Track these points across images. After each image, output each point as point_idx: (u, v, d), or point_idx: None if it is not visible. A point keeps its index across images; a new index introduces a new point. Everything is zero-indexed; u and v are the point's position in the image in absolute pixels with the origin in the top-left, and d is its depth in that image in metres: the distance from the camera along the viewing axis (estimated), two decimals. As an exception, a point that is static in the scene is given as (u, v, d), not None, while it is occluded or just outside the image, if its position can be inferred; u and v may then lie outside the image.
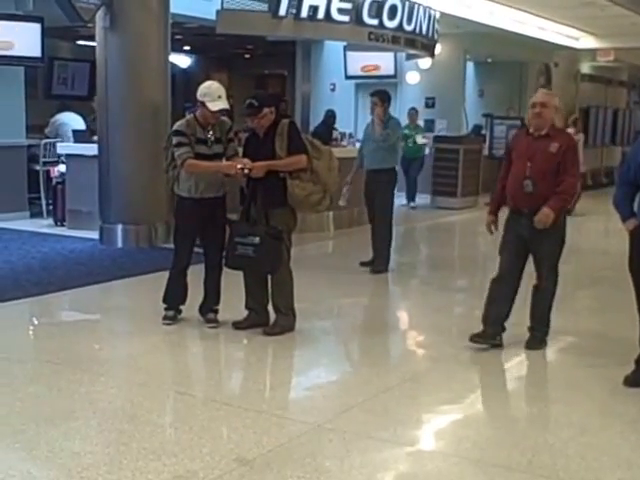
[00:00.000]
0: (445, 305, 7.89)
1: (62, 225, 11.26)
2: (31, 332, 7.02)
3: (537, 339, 6.14)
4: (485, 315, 6.12)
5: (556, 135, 5.96)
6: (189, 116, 6.53)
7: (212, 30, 11.80)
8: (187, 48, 19.85)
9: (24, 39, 11.32)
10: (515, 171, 5.98)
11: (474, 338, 6.03)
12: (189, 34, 16.05)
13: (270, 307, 6.40)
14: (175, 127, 6.42)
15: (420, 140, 14.71)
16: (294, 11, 11.31)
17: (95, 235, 10.15)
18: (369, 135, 9.10)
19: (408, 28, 12.69)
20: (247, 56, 21.50)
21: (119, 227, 9.94)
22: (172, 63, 11.08)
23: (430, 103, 17.28)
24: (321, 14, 11.45)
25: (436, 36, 13.83)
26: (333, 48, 16.89)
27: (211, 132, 6.32)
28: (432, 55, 14.35)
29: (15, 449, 4.25)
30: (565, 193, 5.88)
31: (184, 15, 12.39)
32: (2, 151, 11.53)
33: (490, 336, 6.05)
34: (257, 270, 6.26)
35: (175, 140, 6.30)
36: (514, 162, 6.03)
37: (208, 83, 6.45)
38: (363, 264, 8.97)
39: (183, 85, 18.90)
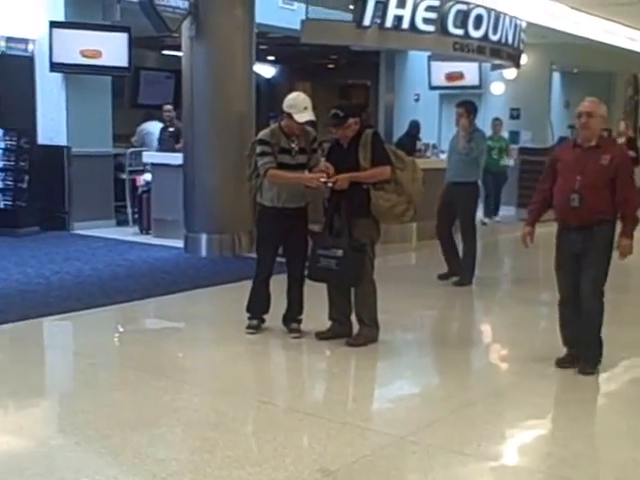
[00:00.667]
0: (528, 319, 7.78)
1: (147, 233, 11.47)
2: (117, 339, 7.16)
3: (588, 362, 5.82)
4: (563, 338, 5.97)
5: (606, 146, 5.73)
6: (274, 125, 6.58)
7: (296, 40, 11.90)
8: (271, 58, 20.04)
9: (112, 49, 11.60)
10: (562, 184, 5.74)
11: (560, 363, 5.87)
12: (273, 44, 16.21)
13: (353, 318, 6.41)
14: (259, 136, 6.49)
15: (505, 161, 14.57)
16: (378, 21, 11.32)
17: (180, 244, 10.30)
18: (454, 147, 9.04)
19: (494, 38, 12.59)
20: (331, 66, 21.60)
21: (203, 236, 10.07)
22: (256, 73, 11.20)
23: (515, 114, 17.11)
24: (406, 24, 11.44)
25: (522, 46, 13.70)
26: (417, 58, 16.86)
27: (295, 142, 6.36)
28: (517, 65, 14.21)
29: (102, 454, 4.34)
30: (633, 214, 5.69)
31: (269, 25, 12.54)
32: (90, 160, 11.80)
33: (575, 356, 5.91)
34: (340, 283, 6.27)
35: (259, 149, 6.37)
36: (560, 174, 5.78)
37: (294, 94, 6.48)
38: (441, 277, 8.88)
39: (267, 95, 19.10)
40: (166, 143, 11.81)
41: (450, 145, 9.30)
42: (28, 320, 6.95)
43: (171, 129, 12.04)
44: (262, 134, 6.46)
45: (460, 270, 8.85)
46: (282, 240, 6.52)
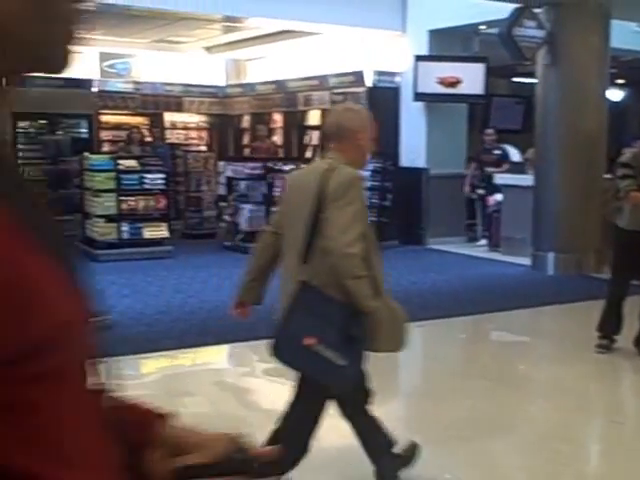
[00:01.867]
0: None
1: (496, 250, 11.46)
2: (467, 347, 7.26)
3: None
4: None
5: None
6: (636, 148, 6.34)
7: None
8: (620, 81, 19.20)
9: (469, 78, 11.80)
10: None
11: None
12: (624, 67, 15.55)
13: None
14: (622, 159, 6.27)
15: None
16: None
17: (527, 261, 10.19)
18: None
19: None
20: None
21: (550, 255, 9.86)
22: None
23: None
24: None
25: None
26: None
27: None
28: None
29: (460, 455, 4.41)
30: None
31: (621, 49, 12.06)
32: (445, 180, 12.08)
33: None
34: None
35: (620, 172, 6.15)
36: None
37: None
38: None
39: (616, 118, 18.32)
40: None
41: None
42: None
43: (497, 152, 12.06)
44: (625, 157, 6.24)
45: None
46: (638, 264, 6.22)
